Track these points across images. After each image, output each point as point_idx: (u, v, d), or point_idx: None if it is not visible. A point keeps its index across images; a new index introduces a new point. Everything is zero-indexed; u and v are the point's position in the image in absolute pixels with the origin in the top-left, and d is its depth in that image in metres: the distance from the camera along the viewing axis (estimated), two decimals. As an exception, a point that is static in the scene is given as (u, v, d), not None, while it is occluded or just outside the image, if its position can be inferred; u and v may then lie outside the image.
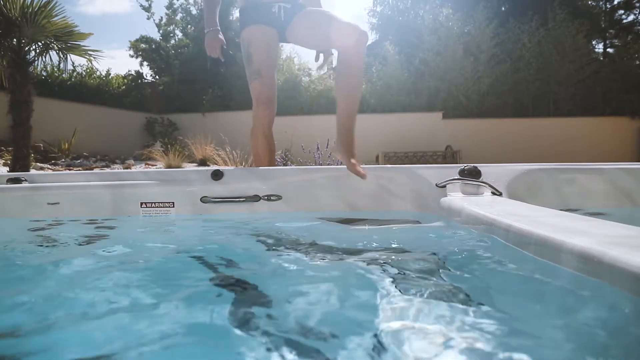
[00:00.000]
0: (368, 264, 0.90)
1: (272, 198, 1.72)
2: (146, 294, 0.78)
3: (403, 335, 0.57)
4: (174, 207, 1.71)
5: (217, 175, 1.75)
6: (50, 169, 6.58)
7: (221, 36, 1.96)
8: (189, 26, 13.24)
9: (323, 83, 11.23)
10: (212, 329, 0.62)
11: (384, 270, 0.85)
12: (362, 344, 0.55)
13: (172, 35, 13.43)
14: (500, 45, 10.74)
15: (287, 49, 11.54)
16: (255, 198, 1.72)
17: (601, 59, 11.99)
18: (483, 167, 1.57)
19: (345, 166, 1.70)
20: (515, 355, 0.53)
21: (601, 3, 12.71)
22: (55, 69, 10.24)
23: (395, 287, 0.76)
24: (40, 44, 5.45)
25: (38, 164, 6.60)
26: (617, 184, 1.66)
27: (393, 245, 1.13)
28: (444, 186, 1.53)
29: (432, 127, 10.29)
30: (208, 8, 1.96)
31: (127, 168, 7.55)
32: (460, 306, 0.65)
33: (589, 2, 12.65)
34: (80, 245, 1.24)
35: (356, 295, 0.75)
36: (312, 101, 10.60)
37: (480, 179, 1.52)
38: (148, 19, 13.46)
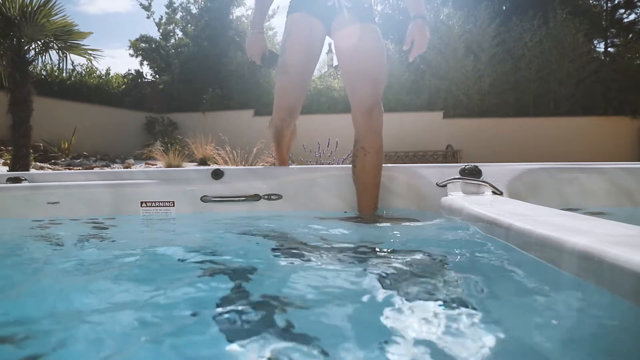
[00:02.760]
0: (368, 263, 0.90)
1: (272, 197, 1.72)
2: (146, 293, 0.78)
3: (402, 335, 0.57)
4: (174, 206, 1.71)
5: (217, 174, 1.75)
6: (50, 168, 6.58)
7: (264, 41, 1.76)
8: (189, 25, 13.23)
9: (324, 82, 11.23)
10: (212, 327, 0.61)
11: (384, 269, 0.84)
12: (361, 343, 0.55)
13: (172, 34, 13.42)
14: (501, 45, 10.73)
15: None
16: (256, 197, 1.72)
17: (602, 58, 11.97)
18: (484, 167, 1.56)
19: (345, 166, 1.70)
20: (515, 355, 0.53)
21: (602, 2, 12.69)
22: (55, 69, 10.24)
23: (395, 286, 0.76)
24: (39, 43, 5.45)
25: (38, 163, 6.60)
26: (617, 183, 1.66)
27: (393, 244, 1.13)
28: (445, 185, 1.53)
29: (432, 126, 10.28)
30: (258, 8, 1.77)
31: (127, 167, 7.55)
32: (460, 306, 0.65)
33: (590, 1, 12.63)
34: (80, 244, 1.24)
35: (355, 294, 0.75)
36: (313, 100, 10.59)
37: (481, 178, 1.52)
38: (148, 18, 13.45)
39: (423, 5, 1.60)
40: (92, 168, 6.82)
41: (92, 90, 11.07)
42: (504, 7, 12.32)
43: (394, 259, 0.92)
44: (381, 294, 0.73)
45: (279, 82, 1.67)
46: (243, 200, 1.72)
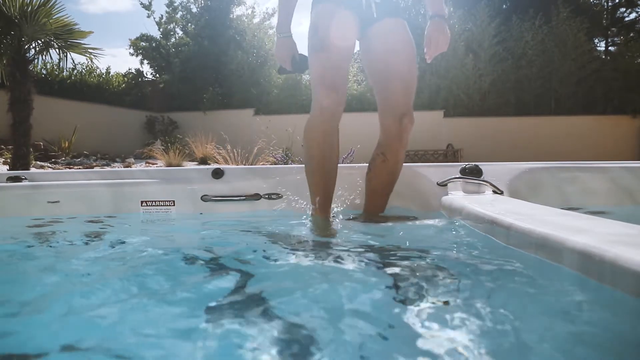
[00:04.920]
0: (368, 263, 0.90)
1: (272, 197, 1.72)
2: (145, 292, 0.78)
3: (403, 334, 0.57)
4: (174, 205, 1.71)
5: (217, 173, 1.75)
6: (51, 167, 6.58)
7: (293, 44, 1.59)
8: (189, 24, 13.22)
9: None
10: (211, 326, 0.61)
11: (384, 269, 0.84)
12: (361, 342, 0.55)
13: (172, 33, 13.41)
14: (501, 43, 10.71)
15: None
16: (256, 197, 1.72)
17: (603, 57, 11.96)
18: (484, 166, 1.56)
19: (345, 165, 1.69)
20: (515, 355, 0.53)
21: (603, 1, 12.68)
22: (55, 67, 10.24)
23: (395, 285, 0.75)
24: (40, 42, 5.44)
25: (38, 162, 6.60)
26: (618, 182, 1.66)
27: (394, 244, 1.13)
28: (445, 185, 1.53)
29: (433, 125, 10.27)
30: (283, 9, 1.58)
31: (127, 167, 7.55)
32: (461, 305, 0.65)
33: (591, 0, 12.61)
34: (80, 243, 1.24)
35: (355, 294, 0.75)
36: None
37: (482, 177, 1.52)
38: (148, 17, 13.44)
39: (443, 5, 1.51)
40: (92, 167, 6.82)
41: (92, 89, 11.07)
42: (504, 6, 12.30)
43: (394, 258, 0.92)
44: (381, 293, 0.73)
45: (316, 60, 1.44)
46: (243, 199, 1.72)
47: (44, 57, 5.63)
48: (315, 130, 1.44)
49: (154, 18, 13.33)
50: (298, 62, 1.61)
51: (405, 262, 0.89)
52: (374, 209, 1.55)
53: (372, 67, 1.53)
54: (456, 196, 1.42)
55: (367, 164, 1.56)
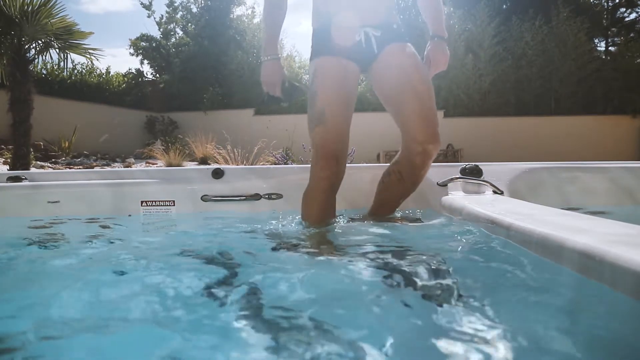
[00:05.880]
0: (368, 262, 0.90)
1: (272, 197, 1.72)
2: (144, 291, 0.78)
3: (403, 334, 0.57)
4: (174, 205, 1.71)
5: (217, 173, 1.75)
6: (51, 167, 6.58)
7: (281, 69, 1.47)
8: (190, 24, 13.22)
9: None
10: (212, 326, 0.61)
11: (385, 268, 0.84)
12: (361, 342, 0.55)
13: (172, 33, 13.42)
14: (501, 43, 10.71)
15: (288, 48, 11.55)
16: (256, 197, 1.72)
17: (603, 57, 11.96)
18: (484, 166, 1.56)
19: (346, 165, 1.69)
20: (515, 354, 0.53)
21: (603, 1, 12.67)
22: (56, 68, 10.24)
23: (395, 285, 0.76)
24: (40, 42, 5.45)
25: (38, 162, 6.60)
26: (618, 182, 1.66)
27: (394, 243, 1.13)
28: (446, 185, 1.53)
29: (433, 125, 10.25)
30: (269, 29, 1.46)
31: (127, 167, 7.55)
32: (461, 304, 0.65)
33: (591, 0, 12.61)
34: (80, 243, 1.24)
35: (355, 293, 0.75)
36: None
37: (482, 177, 1.52)
38: (149, 17, 13.46)
39: (444, 26, 1.47)
40: (92, 167, 6.82)
41: (92, 89, 11.07)
42: (504, 6, 12.30)
43: (394, 258, 0.92)
44: (382, 293, 0.73)
45: (317, 133, 1.36)
46: (243, 199, 1.72)
47: (44, 57, 5.64)
48: (314, 202, 1.38)
49: (154, 18, 13.34)
50: (288, 89, 1.46)
51: (406, 263, 0.89)
52: (377, 213, 1.52)
53: (387, 96, 1.42)
54: (456, 196, 1.42)
55: (368, 164, 1.56)
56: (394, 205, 1.51)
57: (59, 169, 6.51)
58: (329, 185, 1.35)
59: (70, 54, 5.67)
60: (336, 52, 1.39)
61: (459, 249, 1.02)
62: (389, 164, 1.50)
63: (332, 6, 1.41)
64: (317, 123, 1.36)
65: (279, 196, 1.72)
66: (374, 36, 1.39)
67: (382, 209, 1.51)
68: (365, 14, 1.39)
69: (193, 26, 13.07)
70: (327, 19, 1.42)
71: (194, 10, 13.37)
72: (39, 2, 5.24)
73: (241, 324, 0.61)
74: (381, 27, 1.40)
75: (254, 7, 13.03)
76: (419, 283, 0.76)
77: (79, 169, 6.18)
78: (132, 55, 13.12)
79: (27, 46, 5.31)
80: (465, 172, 1.54)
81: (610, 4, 12.60)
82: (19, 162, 5.10)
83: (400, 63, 1.39)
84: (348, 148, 1.40)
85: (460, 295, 0.69)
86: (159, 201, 1.72)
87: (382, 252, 1.01)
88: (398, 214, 1.53)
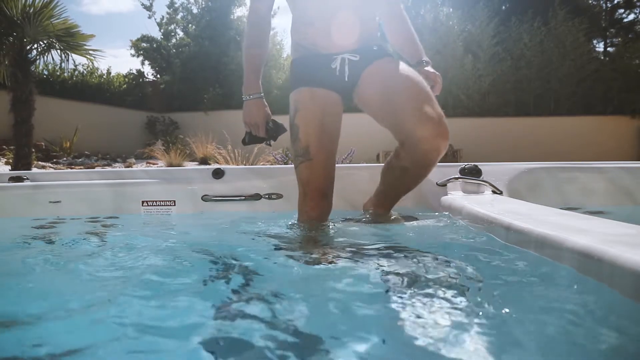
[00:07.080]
0: (369, 263, 0.90)
1: (273, 197, 1.73)
2: (145, 291, 0.79)
3: (404, 334, 0.57)
4: (175, 205, 1.72)
5: (218, 173, 1.76)
6: (52, 167, 6.59)
7: (265, 107, 1.43)
8: (190, 25, 13.24)
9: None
10: (212, 326, 0.62)
11: (385, 269, 0.85)
12: (362, 342, 0.55)
13: (173, 34, 13.43)
14: (501, 44, 10.72)
15: (288, 48, 11.54)
16: (256, 197, 1.73)
17: (602, 58, 11.97)
18: (484, 166, 1.57)
19: (344, 165, 1.70)
20: (515, 354, 0.53)
21: (601, 2, 12.68)
22: (57, 68, 10.26)
23: (396, 285, 0.76)
24: (42, 43, 5.46)
25: (40, 162, 6.61)
26: (617, 182, 1.67)
27: (393, 244, 1.13)
28: (445, 185, 1.54)
29: (433, 125, 10.25)
30: (251, 65, 1.44)
31: (128, 167, 7.56)
32: (461, 304, 0.66)
33: (590, 1, 12.62)
34: (81, 243, 1.24)
35: (356, 293, 0.75)
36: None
37: (481, 177, 1.53)
38: (149, 18, 13.46)
39: (422, 49, 1.42)
40: (93, 167, 6.83)
41: (93, 89, 11.09)
42: (503, 7, 12.31)
43: (394, 259, 0.93)
44: (382, 293, 0.74)
45: (302, 170, 1.34)
46: (244, 199, 1.72)
47: (45, 58, 5.65)
48: (306, 222, 1.34)
49: (155, 19, 13.36)
50: (273, 129, 1.40)
51: (406, 263, 0.89)
52: (383, 205, 1.49)
53: (378, 110, 1.35)
54: (456, 196, 1.43)
55: (368, 164, 1.56)
56: (394, 202, 1.49)
57: (60, 169, 6.51)
58: (318, 219, 1.34)
59: (72, 54, 5.69)
60: (316, 83, 1.34)
61: (457, 249, 1.02)
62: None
63: (310, 37, 1.36)
64: (302, 160, 1.33)
65: (279, 196, 1.72)
66: (350, 62, 1.33)
67: (384, 205, 1.49)
68: (344, 42, 1.34)
69: (193, 27, 13.09)
70: (305, 49, 1.39)
71: (195, 11, 13.39)
72: (40, 4, 5.26)
73: (241, 324, 0.61)
74: (360, 52, 1.34)
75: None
76: (418, 283, 0.76)
77: (80, 169, 6.18)
78: (133, 56, 13.14)
79: (28, 47, 5.32)
80: (464, 172, 1.54)
81: (608, 5, 12.61)
82: (21, 162, 5.11)
83: (382, 77, 1.32)
84: (334, 182, 1.37)
85: (460, 295, 0.69)
86: (160, 201, 1.72)
87: (380, 251, 1.01)
88: (398, 214, 1.54)
